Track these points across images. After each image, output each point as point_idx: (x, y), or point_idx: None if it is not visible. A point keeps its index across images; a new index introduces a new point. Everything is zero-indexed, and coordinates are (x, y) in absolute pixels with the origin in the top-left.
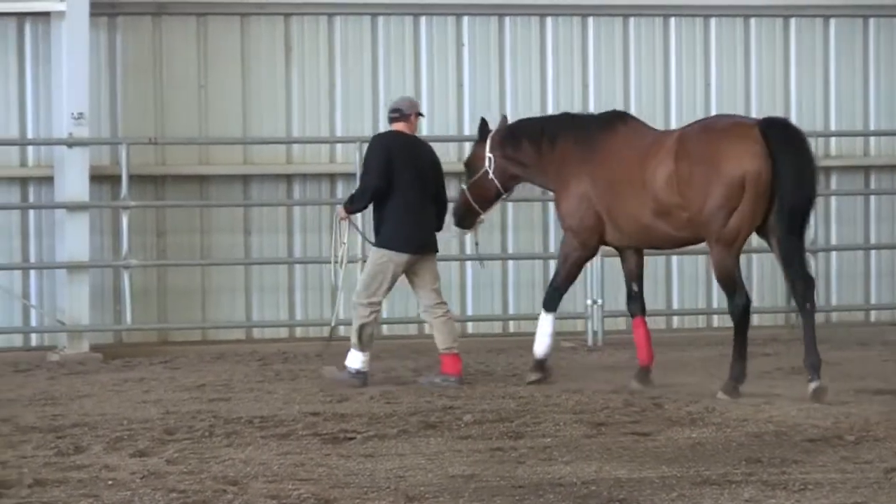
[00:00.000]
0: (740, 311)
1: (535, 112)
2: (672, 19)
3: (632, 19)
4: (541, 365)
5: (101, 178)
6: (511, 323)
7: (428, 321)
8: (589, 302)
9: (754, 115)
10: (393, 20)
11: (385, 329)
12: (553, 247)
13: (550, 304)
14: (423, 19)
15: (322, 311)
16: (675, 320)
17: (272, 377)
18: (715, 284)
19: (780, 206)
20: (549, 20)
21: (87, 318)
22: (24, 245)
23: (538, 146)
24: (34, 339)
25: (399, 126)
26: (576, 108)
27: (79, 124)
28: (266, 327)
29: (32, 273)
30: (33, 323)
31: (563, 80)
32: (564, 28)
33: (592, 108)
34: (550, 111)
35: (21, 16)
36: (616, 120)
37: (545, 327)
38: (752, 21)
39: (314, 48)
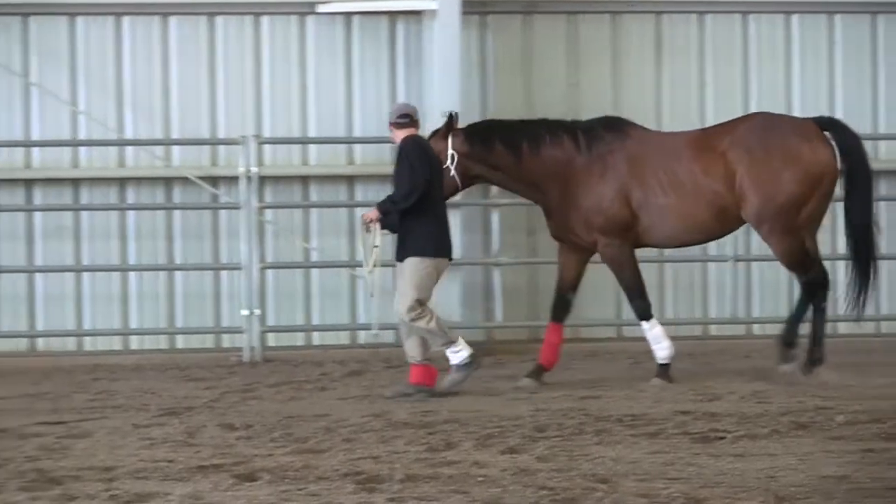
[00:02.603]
0: (819, 283)
1: None
2: None
3: None
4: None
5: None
6: (883, 324)
7: (407, 328)
8: None
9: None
10: (764, 18)
11: (756, 329)
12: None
13: (645, 313)
14: (794, 18)
15: (693, 310)
16: None
17: (643, 376)
18: None
19: (851, 204)
20: None
21: (458, 314)
22: (395, 242)
23: (516, 150)
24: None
25: (412, 132)
26: None
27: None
28: (637, 325)
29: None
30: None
31: None
32: None
33: None
34: None
35: (393, 14)
36: (620, 123)
37: (657, 332)
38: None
39: (685, 46)
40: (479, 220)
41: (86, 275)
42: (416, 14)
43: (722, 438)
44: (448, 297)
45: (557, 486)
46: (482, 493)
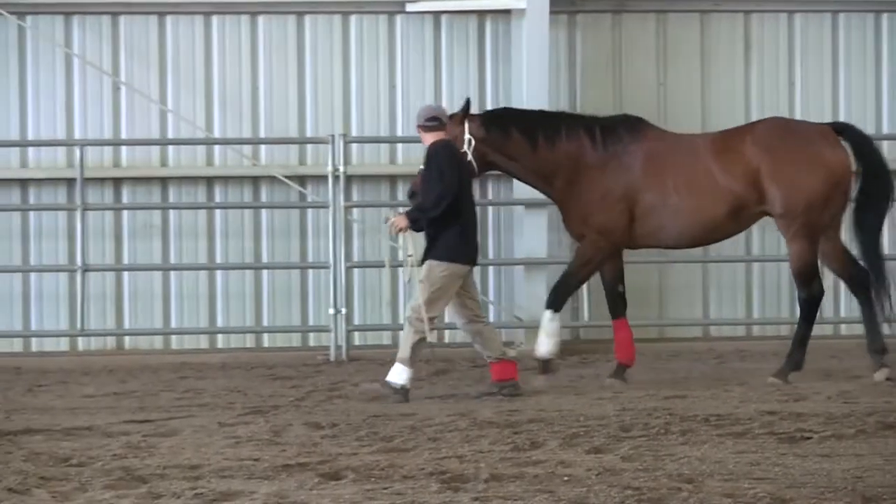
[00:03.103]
0: (815, 302)
1: None
2: None
3: None
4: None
5: None
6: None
7: (470, 332)
8: None
9: None
10: (853, 17)
11: (844, 329)
12: None
13: (557, 305)
14: (884, 17)
15: (779, 310)
16: None
17: (729, 375)
18: None
19: (866, 205)
20: None
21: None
22: (482, 242)
23: (533, 140)
24: None
25: (441, 135)
26: None
27: None
28: (723, 325)
29: (490, 269)
30: (491, 319)
31: None
32: None
33: None
34: None
35: (482, 13)
36: (639, 123)
37: (555, 326)
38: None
39: (773, 46)
40: None
41: (173, 273)
42: (504, 13)
43: (808, 439)
44: (535, 297)
45: (643, 486)
46: (567, 493)
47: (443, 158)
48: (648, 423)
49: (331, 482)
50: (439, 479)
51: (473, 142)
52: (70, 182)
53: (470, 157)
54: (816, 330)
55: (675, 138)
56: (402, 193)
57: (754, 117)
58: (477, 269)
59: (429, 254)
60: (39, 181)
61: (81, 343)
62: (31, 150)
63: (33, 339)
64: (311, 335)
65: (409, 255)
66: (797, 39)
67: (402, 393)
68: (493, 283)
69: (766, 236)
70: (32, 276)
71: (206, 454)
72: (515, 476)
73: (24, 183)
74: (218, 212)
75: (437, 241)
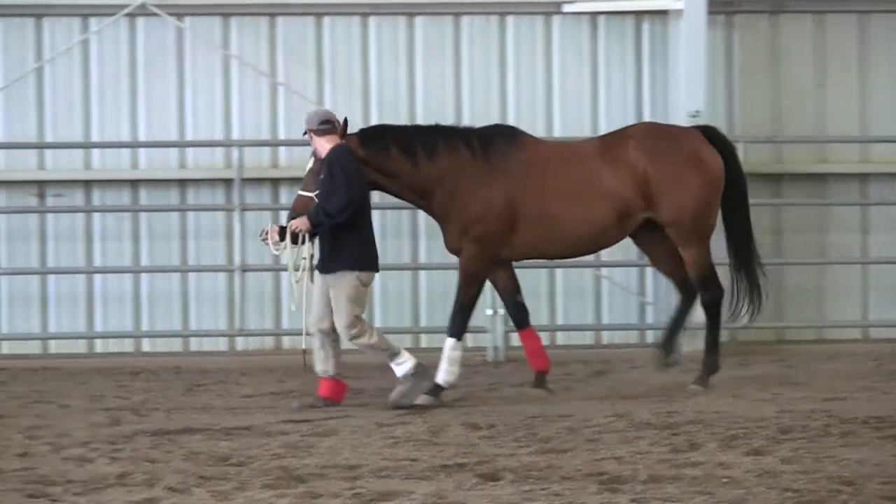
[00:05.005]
0: (719, 302)
1: None
2: None
3: None
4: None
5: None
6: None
7: (319, 343)
8: None
9: None
10: None
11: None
12: None
13: (459, 332)
14: None
15: None
16: None
17: (886, 377)
18: None
19: (733, 208)
20: None
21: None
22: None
23: (412, 156)
24: (650, 336)
25: (335, 139)
26: None
27: (694, 122)
28: (884, 327)
29: (649, 271)
30: (649, 320)
31: None
32: None
33: None
34: None
35: (639, 14)
36: (514, 132)
37: (457, 355)
38: None
39: None
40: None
41: None
42: (662, 14)
43: None
44: None
45: (802, 489)
46: (726, 495)
47: (347, 164)
48: (808, 425)
49: (489, 483)
50: (597, 480)
51: None
52: (228, 182)
53: None
54: None
55: (553, 146)
56: None
57: None
58: (635, 270)
59: (334, 264)
60: (198, 181)
61: (240, 343)
62: (189, 150)
63: (192, 339)
64: (469, 336)
65: (304, 259)
66: None
67: (418, 368)
68: (651, 285)
69: None
70: (191, 276)
71: (364, 454)
72: (674, 477)
73: (182, 183)
74: (376, 211)
75: (342, 250)
